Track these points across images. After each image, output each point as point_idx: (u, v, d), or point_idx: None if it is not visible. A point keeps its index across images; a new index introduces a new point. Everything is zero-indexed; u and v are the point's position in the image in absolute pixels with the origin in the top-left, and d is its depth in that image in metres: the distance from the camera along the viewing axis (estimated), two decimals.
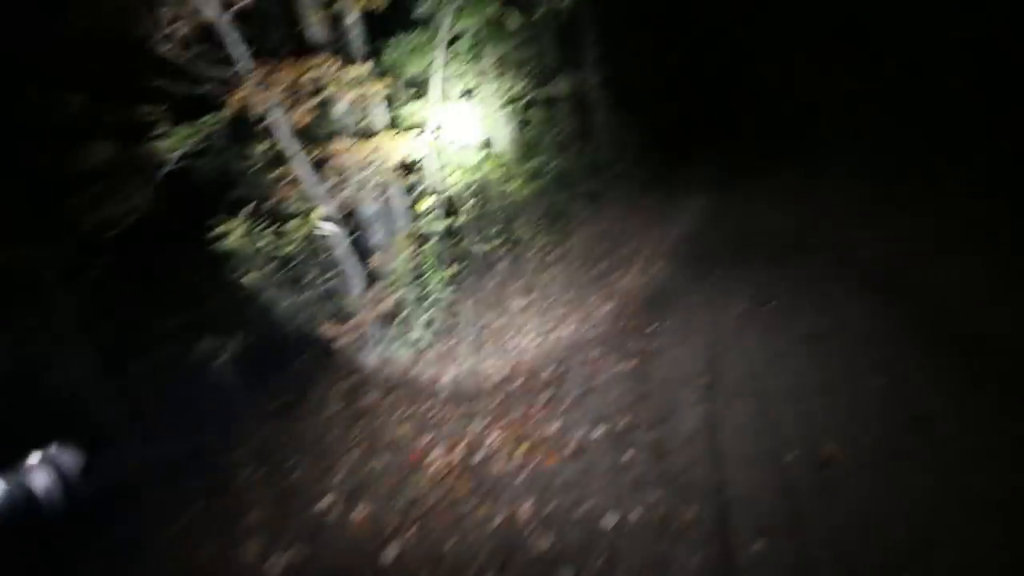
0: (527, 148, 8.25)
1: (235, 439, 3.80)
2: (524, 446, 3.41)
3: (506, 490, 3.07)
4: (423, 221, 5.26)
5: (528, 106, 8.22)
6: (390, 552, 2.68)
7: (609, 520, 2.74)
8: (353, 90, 3.88)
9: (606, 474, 3.09)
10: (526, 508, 2.89)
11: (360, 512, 2.95)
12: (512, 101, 7.84)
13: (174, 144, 2.86)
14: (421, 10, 6.47)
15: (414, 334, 4.33)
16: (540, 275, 6.12)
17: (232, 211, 6.21)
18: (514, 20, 5.98)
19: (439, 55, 5.92)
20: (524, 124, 8.46)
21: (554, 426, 3.64)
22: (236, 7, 3.50)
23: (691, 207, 9.63)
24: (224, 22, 3.39)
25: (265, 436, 3.82)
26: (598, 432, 3.50)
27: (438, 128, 6.25)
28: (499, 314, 5.31)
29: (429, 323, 4.44)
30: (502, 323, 5.16)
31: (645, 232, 8.45)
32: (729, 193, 10.18)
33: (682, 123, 18.23)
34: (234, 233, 3.78)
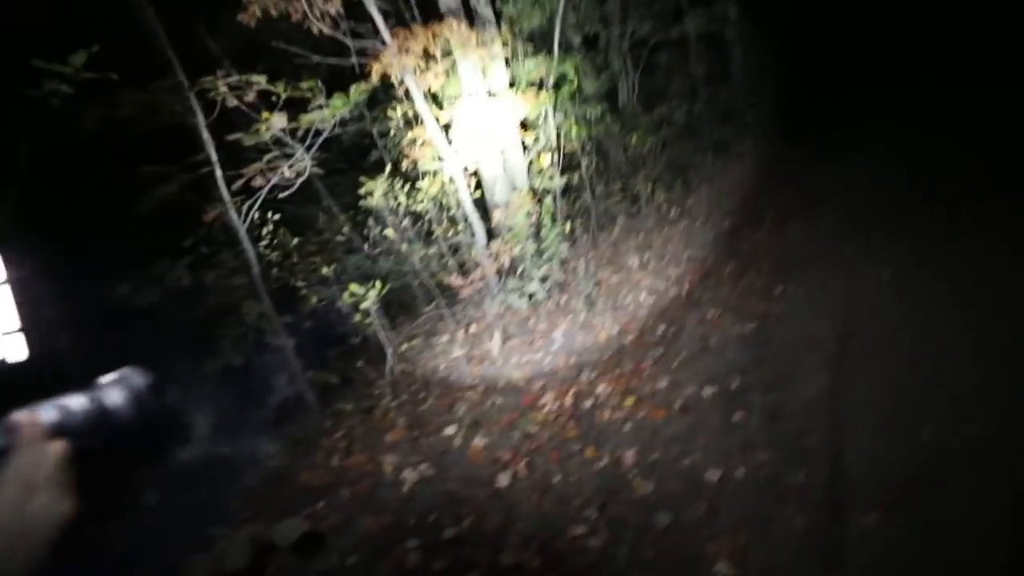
0: (652, 96, 7.87)
1: (378, 371, 4.41)
2: (631, 399, 3.53)
3: (612, 437, 3.25)
4: (541, 178, 5.41)
5: (655, 48, 7.78)
6: (503, 479, 3.03)
7: (712, 475, 2.80)
8: (476, 52, 4.05)
9: (714, 432, 3.12)
10: (630, 455, 3.05)
11: (479, 442, 3.34)
12: (638, 45, 7.48)
13: (331, 113, 3.29)
14: None
15: (531, 287, 4.58)
16: (659, 232, 5.99)
17: (372, 172, 6.89)
18: None
19: (560, 4, 5.84)
20: (650, 69, 8.05)
21: (663, 382, 3.70)
22: None
23: (835, 161, 8.56)
24: None
25: (402, 371, 4.38)
26: (709, 391, 3.50)
27: (558, 82, 6.24)
28: (615, 271, 5.35)
29: (545, 278, 4.65)
30: (617, 279, 5.20)
31: (779, 187, 7.75)
32: (880, 148, 8.84)
33: (832, 64, 15.93)
34: (375, 192, 4.26)
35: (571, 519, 2.71)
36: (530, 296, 4.59)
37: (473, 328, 4.74)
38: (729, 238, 6.07)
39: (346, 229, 6.47)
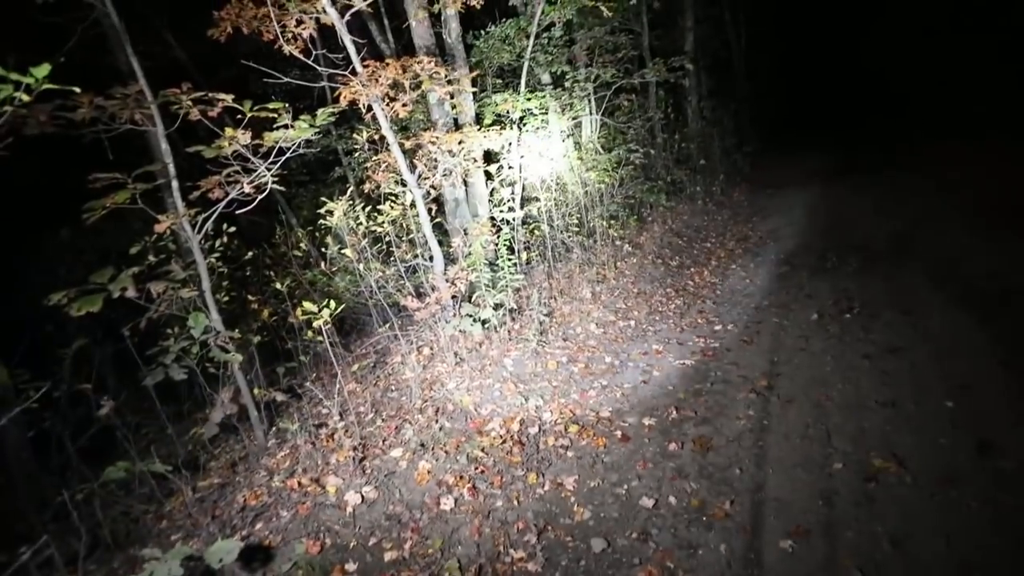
0: (612, 136, 8.27)
1: (326, 390, 4.37)
2: (575, 427, 3.66)
3: (555, 463, 3.35)
4: (501, 208, 5.58)
5: (618, 92, 8.21)
6: (447, 502, 3.07)
7: (647, 502, 2.95)
8: (445, 87, 4.21)
9: (650, 461, 3.28)
10: (571, 481, 3.15)
11: (425, 465, 3.37)
12: (602, 87, 7.88)
13: (297, 134, 3.34)
14: (514, 0, 6.70)
15: (485, 313, 4.68)
16: (612, 266, 6.25)
17: (334, 187, 6.89)
18: (609, 7, 6.03)
19: (529, 44, 6.13)
20: (612, 111, 8.47)
21: (607, 411, 3.85)
22: (352, 10, 3.94)
23: (777, 205, 9.20)
24: (341, 24, 3.83)
25: (351, 391, 4.35)
26: (648, 422, 3.67)
27: (523, 117, 6.49)
28: (567, 301, 5.54)
29: (499, 305, 4.76)
30: (569, 310, 5.39)
31: (726, 228, 8.24)
32: (820, 193, 9.59)
33: (780, 115, 17.36)
34: (336, 212, 4.30)
35: (511, 543, 2.78)
36: (484, 322, 4.69)
37: (426, 351, 4.78)
38: (677, 275, 6.40)
39: (303, 244, 6.43)
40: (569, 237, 6.31)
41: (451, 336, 4.63)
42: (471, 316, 4.64)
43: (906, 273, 5.46)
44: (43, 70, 1.98)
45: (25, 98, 2.01)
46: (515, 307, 5.00)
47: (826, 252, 6.59)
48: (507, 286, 4.80)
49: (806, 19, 18.49)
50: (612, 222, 6.92)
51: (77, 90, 2.52)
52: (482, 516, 2.97)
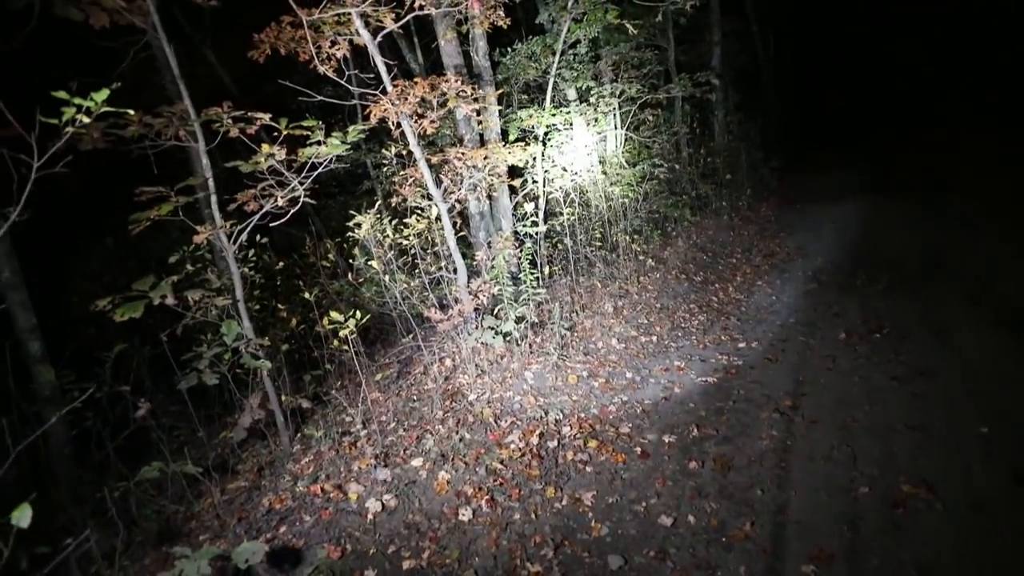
0: (637, 151, 8.30)
1: (350, 398, 4.47)
2: (595, 442, 3.66)
3: (573, 478, 3.36)
4: (524, 222, 5.65)
5: (643, 107, 8.25)
6: (465, 513, 3.11)
7: (665, 520, 2.93)
8: (472, 104, 4.32)
9: (670, 478, 3.26)
10: (589, 496, 3.16)
11: (444, 475, 3.41)
12: (627, 102, 7.93)
13: (330, 150, 3.48)
14: (541, 19, 6.83)
15: (507, 326, 4.73)
16: (635, 280, 6.24)
17: (362, 199, 7.07)
18: (635, 25, 6.10)
19: (555, 61, 6.23)
20: (637, 125, 8.50)
21: (626, 427, 3.84)
22: (384, 31, 4.09)
23: (806, 221, 9.05)
24: (373, 46, 3.98)
25: (374, 400, 4.45)
26: (668, 439, 3.65)
27: (548, 132, 6.58)
28: (589, 315, 5.55)
29: (521, 318, 4.81)
30: (591, 324, 5.40)
31: (752, 244, 8.14)
32: (849, 208, 9.40)
33: (809, 129, 17.12)
34: (364, 225, 4.43)
35: (528, 557, 2.80)
36: (505, 335, 4.74)
37: (448, 362, 4.85)
38: (701, 291, 6.35)
39: (331, 255, 6.61)
40: (592, 251, 6.34)
41: (473, 348, 4.69)
42: (493, 329, 4.70)
43: (938, 292, 5.31)
44: (102, 95, 2.13)
45: (85, 120, 2.16)
46: (537, 321, 5.04)
47: (855, 269, 6.45)
48: (529, 300, 4.85)
49: (835, 32, 18.24)
50: (635, 237, 6.92)
51: (131, 112, 2.68)
52: (500, 528, 2.99)
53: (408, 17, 3.93)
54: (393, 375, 4.97)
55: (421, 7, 3.76)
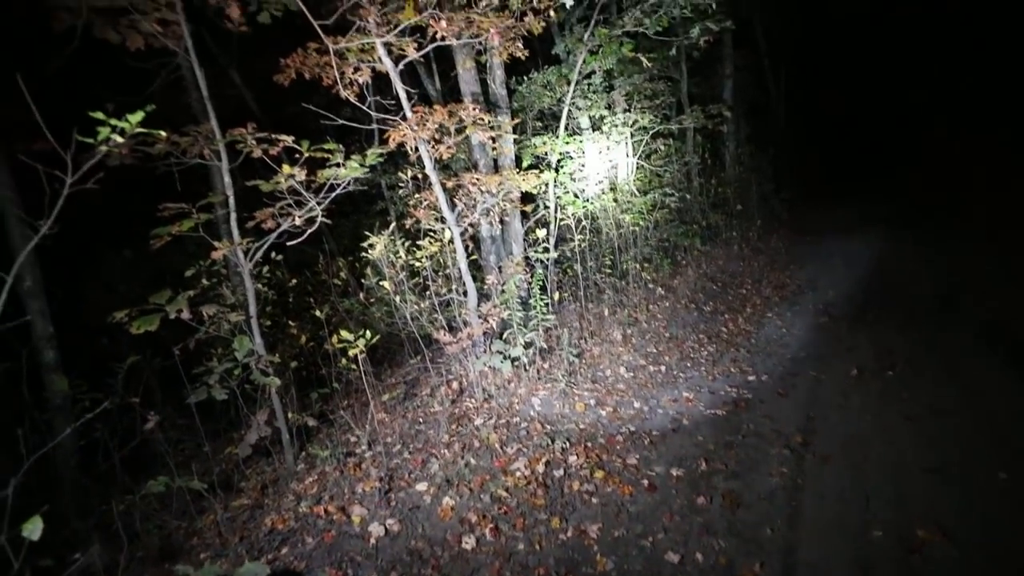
0: (649, 179, 8.37)
1: (357, 419, 4.46)
2: (601, 472, 3.62)
3: (579, 509, 3.31)
4: (535, 247, 5.70)
5: (655, 136, 8.35)
6: (468, 541, 3.06)
7: (672, 557, 2.87)
8: (488, 132, 4.41)
9: (677, 514, 3.21)
10: (594, 529, 3.11)
11: (449, 501, 3.38)
12: (639, 132, 8.04)
13: (349, 172, 3.55)
14: (557, 49, 6.99)
15: (515, 351, 4.73)
16: (644, 308, 6.23)
17: (375, 219, 7.16)
18: (649, 58, 6.23)
19: (570, 91, 6.35)
20: (649, 154, 8.60)
21: (634, 458, 3.80)
22: (406, 60, 4.21)
23: (817, 253, 9.03)
24: (395, 73, 4.10)
25: (380, 420, 4.43)
26: (676, 472, 3.60)
27: (561, 160, 6.67)
28: (598, 343, 5.54)
29: (530, 343, 4.81)
30: (600, 351, 5.38)
31: (763, 275, 8.12)
32: (860, 241, 9.38)
33: (820, 161, 17.18)
34: (377, 246, 4.48)
35: None
36: (513, 360, 4.73)
37: (455, 385, 4.84)
38: (710, 321, 6.33)
39: (343, 274, 6.67)
40: (602, 278, 6.35)
41: (480, 371, 4.69)
42: (501, 353, 4.69)
43: (953, 330, 5.26)
44: (137, 117, 2.22)
45: (119, 140, 2.24)
46: (545, 346, 5.04)
47: (867, 304, 6.41)
48: (539, 325, 4.86)
49: (847, 66, 18.44)
50: (646, 264, 6.94)
51: (163, 134, 2.77)
52: (503, 558, 2.95)
53: (430, 48, 4.05)
54: (400, 396, 4.96)
55: (443, 39, 3.87)
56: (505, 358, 4.69)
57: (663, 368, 5.22)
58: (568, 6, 4.75)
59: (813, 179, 16.12)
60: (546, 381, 4.78)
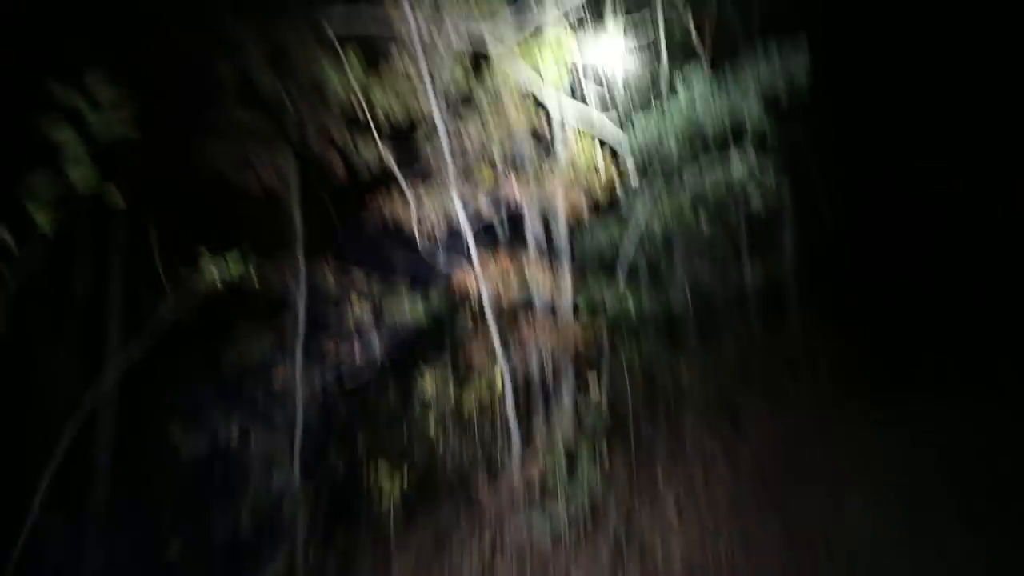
0: (708, 332, 8.18)
1: (380, 557, 4.13)
2: None
3: None
4: (587, 399, 5.51)
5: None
6: None
7: None
8: (548, 280, 4.56)
9: None
10: None
11: None
12: (699, 282, 8.05)
13: (411, 315, 3.73)
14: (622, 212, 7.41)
15: (557, 510, 4.37)
16: (701, 477, 5.71)
17: (430, 352, 7.32)
18: (706, 225, 6.45)
19: (629, 246, 6.58)
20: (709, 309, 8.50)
21: None
22: (473, 210, 4.59)
23: (899, 424, 8.13)
24: (465, 221, 4.45)
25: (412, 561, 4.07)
26: None
27: (618, 308, 6.70)
28: (648, 512, 5.03)
29: (574, 505, 4.44)
30: (650, 523, 4.86)
31: (836, 448, 7.35)
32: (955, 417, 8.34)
33: (894, 323, 15.43)
34: (428, 383, 4.51)
35: None
36: (554, 521, 4.34)
37: (487, 537, 4.46)
38: (779, 500, 5.64)
39: (391, 401, 6.67)
40: (658, 440, 5.98)
41: (516, 528, 4.32)
42: (541, 511, 4.34)
43: None
44: (237, 266, 2.50)
45: (218, 282, 2.52)
46: (591, 510, 4.63)
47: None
48: (585, 485, 4.52)
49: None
50: (704, 425, 6.50)
51: (253, 275, 3.08)
52: None
53: (502, 212, 4.41)
54: (429, 540, 4.61)
55: (518, 205, 4.22)
56: (545, 518, 4.32)
57: (722, 549, 4.59)
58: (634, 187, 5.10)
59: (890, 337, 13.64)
60: (589, 549, 4.31)
